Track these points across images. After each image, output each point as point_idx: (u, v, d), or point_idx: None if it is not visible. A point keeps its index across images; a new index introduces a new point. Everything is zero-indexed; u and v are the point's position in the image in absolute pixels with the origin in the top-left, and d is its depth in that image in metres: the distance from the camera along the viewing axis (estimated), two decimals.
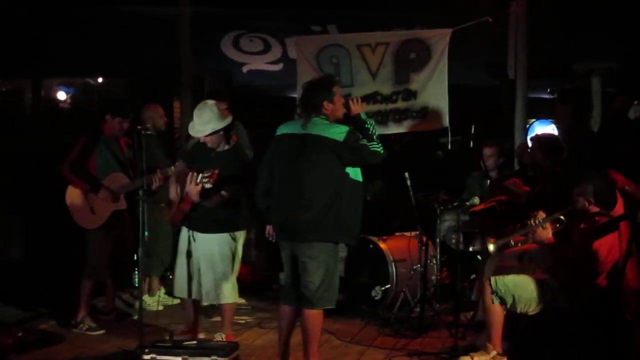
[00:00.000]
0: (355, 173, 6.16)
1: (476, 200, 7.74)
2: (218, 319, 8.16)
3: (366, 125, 6.22)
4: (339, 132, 6.03)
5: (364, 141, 6.09)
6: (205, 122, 6.91)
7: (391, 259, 8.37)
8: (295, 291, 6.27)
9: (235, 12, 10.71)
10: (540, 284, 6.25)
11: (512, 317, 6.40)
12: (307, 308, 6.14)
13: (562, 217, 6.10)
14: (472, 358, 6.34)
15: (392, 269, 8.34)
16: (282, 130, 6.29)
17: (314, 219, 6.00)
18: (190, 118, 7.09)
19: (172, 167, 7.48)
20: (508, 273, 6.48)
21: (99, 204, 7.81)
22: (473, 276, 8.27)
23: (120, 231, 8.00)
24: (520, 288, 6.23)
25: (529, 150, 8.30)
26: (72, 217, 7.85)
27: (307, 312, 6.14)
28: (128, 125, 7.97)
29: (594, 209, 6.05)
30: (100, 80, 12.67)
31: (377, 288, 8.41)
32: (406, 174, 8.11)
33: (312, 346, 6.18)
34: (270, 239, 6.79)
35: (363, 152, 6.05)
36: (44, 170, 9.01)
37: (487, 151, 8.68)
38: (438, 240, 8.20)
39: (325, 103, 6.14)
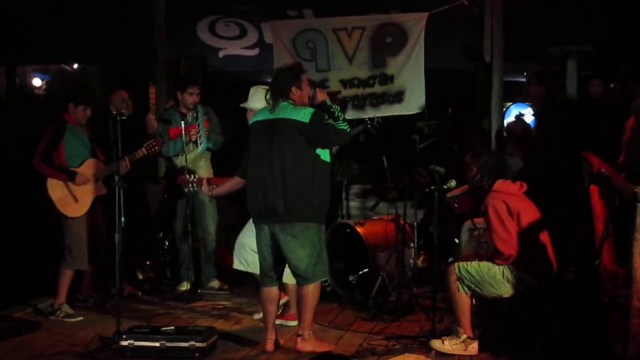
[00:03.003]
0: (324, 155, 6.31)
1: (453, 183, 7.74)
2: (197, 304, 8.17)
3: (332, 110, 6.37)
4: (304, 114, 6.21)
5: (330, 121, 6.28)
6: (258, 100, 6.91)
7: (368, 243, 8.35)
8: (276, 271, 6.43)
9: None
10: (506, 267, 6.25)
11: (486, 300, 6.43)
12: (303, 284, 6.30)
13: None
14: (443, 342, 6.34)
15: (369, 253, 8.32)
16: (256, 118, 6.49)
17: (291, 201, 6.13)
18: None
19: None
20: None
21: (81, 192, 7.77)
22: (451, 260, 8.27)
23: (95, 218, 7.97)
24: (482, 274, 6.22)
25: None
26: (56, 207, 7.77)
27: (305, 287, 6.30)
28: (91, 112, 7.96)
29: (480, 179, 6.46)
30: (75, 66, 12.59)
31: (354, 272, 8.39)
32: (384, 158, 8.10)
33: (307, 317, 6.36)
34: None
35: (329, 131, 6.22)
36: (19, 158, 8.94)
37: (469, 132, 8.77)
38: (415, 223, 8.20)
39: (293, 89, 6.33)
